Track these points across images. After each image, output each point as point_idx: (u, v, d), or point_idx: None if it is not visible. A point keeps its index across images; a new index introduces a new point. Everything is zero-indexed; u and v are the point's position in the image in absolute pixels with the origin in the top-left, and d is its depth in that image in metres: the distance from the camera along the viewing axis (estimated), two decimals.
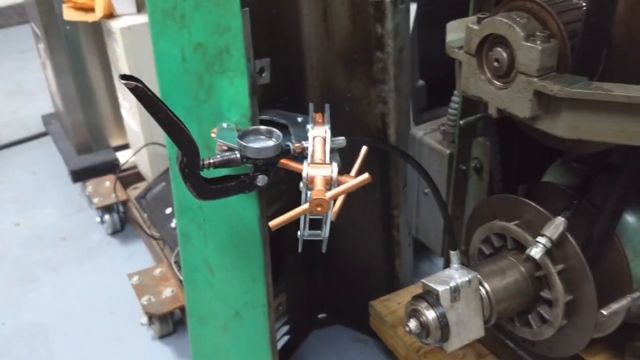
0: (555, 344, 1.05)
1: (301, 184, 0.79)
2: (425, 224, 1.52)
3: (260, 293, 1.15)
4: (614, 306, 0.91)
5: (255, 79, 0.96)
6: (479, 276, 1.02)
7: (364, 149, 0.87)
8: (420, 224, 1.53)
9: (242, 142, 0.83)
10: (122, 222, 2.21)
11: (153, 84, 0.99)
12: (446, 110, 1.50)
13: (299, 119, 1.00)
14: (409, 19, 1.37)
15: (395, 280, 1.62)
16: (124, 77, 0.70)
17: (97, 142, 2.38)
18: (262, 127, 0.86)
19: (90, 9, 1.95)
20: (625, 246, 1.01)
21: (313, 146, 0.82)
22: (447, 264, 1.16)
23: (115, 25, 1.92)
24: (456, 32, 0.99)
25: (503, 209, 1.10)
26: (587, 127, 0.83)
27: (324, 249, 0.92)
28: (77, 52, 2.21)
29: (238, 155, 0.83)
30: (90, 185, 2.22)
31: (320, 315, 1.80)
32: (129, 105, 2.13)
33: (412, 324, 1.01)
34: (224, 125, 0.95)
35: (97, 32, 2.15)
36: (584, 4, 0.85)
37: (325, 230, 0.85)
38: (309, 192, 0.76)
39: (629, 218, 1.03)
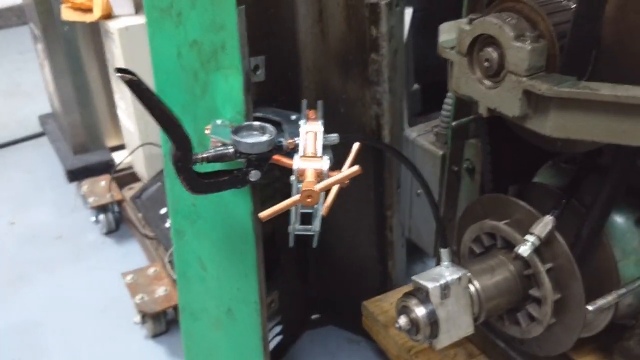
0: (544, 342, 1.06)
1: (292, 177, 0.80)
2: (418, 224, 1.53)
3: (253, 289, 1.16)
4: (600, 302, 0.92)
5: (250, 76, 0.97)
6: (468, 274, 1.04)
7: (356, 145, 0.88)
8: (413, 224, 1.54)
9: (235, 137, 0.84)
10: (117, 222, 2.22)
11: (150, 85, 1.00)
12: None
13: (293, 117, 1.02)
14: (404, 22, 1.39)
15: (388, 281, 1.63)
16: (119, 70, 0.71)
17: (93, 142, 2.39)
18: (256, 123, 0.87)
19: (89, 10, 1.97)
20: (613, 246, 1.02)
21: (305, 141, 0.84)
22: (438, 264, 1.17)
23: (113, 25, 1.93)
24: (449, 33, 1.01)
25: (494, 208, 1.11)
26: (575, 126, 0.84)
27: (314, 244, 0.93)
28: (75, 52, 2.22)
29: (231, 150, 0.84)
30: (86, 185, 2.22)
31: (314, 316, 1.80)
32: (125, 106, 2.14)
33: (402, 320, 1.02)
34: (218, 122, 0.96)
35: (95, 32, 2.17)
36: (574, 5, 0.87)
37: (316, 225, 0.86)
38: (299, 185, 0.77)
39: (618, 219, 1.05)
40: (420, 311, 1.00)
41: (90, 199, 2.15)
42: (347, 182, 0.86)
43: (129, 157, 2.22)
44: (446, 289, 1.01)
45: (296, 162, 0.80)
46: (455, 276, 1.02)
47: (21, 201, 2.42)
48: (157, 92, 1.06)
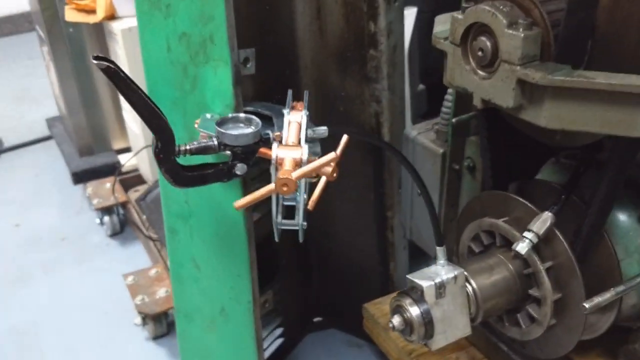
0: (544, 344, 1.03)
1: (271, 167, 0.78)
2: (419, 225, 1.50)
3: (246, 289, 1.14)
4: (597, 299, 0.88)
5: (240, 69, 0.95)
6: (465, 273, 1.00)
7: (345, 138, 0.86)
8: (414, 225, 1.51)
9: (219, 129, 0.82)
10: (121, 224, 2.22)
11: (142, 81, 1.00)
12: None
13: (284, 111, 0.99)
14: (403, 18, 1.36)
15: (390, 283, 1.60)
16: (96, 57, 0.69)
17: (99, 144, 2.40)
18: (242, 115, 0.85)
19: (92, 11, 1.97)
20: (616, 244, 0.99)
21: (288, 130, 0.81)
22: None
23: (116, 26, 1.93)
24: (444, 25, 0.98)
25: (493, 206, 1.08)
26: (570, 116, 0.81)
27: (300, 239, 0.91)
28: (80, 54, 2.23)
29: (216, 143, 0.82)
30: (90, 187, 2.23)
31: (316, 319, 1.78)
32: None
33: (396, 320, 0.99)
34: (208, 116, 0.95)
35: (100, 34, 2.17)
36: None
37: (299, 218, 0.83)
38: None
39: (620, 216, 1.01)
40: (414, 311, 0.97)
41: (95, 201, 2.15)
42: (334, 175, 0.83)
43: (133, 158, 2.22)
44: (442, 288, 0.98)
45: (274, 151, 0.78)
46: (451, 275, 0.99)
47: (27, 203, 2.43)
48: (147, 87, 1.05)
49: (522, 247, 0.94)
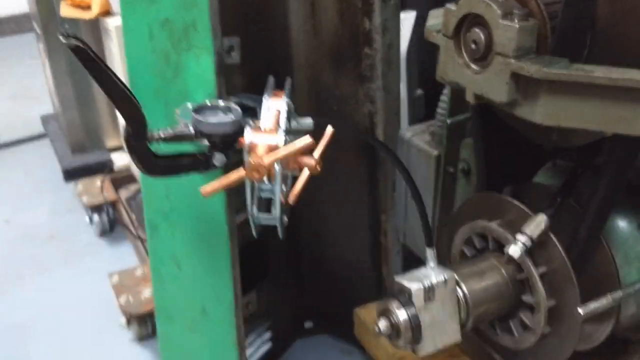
0: (538, 353, 0.98)
1: (244, 152, 0.74)
2: (414, 229, 1.45)
3: (227, 288, 1.10)
4: (593, 305, 0.83)
5: (223, 57, 0.92)
6: (456, 276, 0.96)
7: (329, 130, 0.82)
8: (408, 229, 1.46)
9: (196, 116, 0.78)
10: (111, 224, 2.17)
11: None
12: None
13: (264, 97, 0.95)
14: (399, 16, 1.32)
15: (383, 289, 1.55)
16: (64, 35, 0.65)
17: (92, 142, 2.36)
18: (221, 103, 0.81)
19: (87, 7, 1.94)
20: (615, 251, 0.94)
21: (266, 116, 0.77)
22: None
23: (111, 23, 1.90)
24: (437, 18, 0.94)
25: (486, 208, 1.03)
26: (567, 113, 0.77)
27: (280, 235, 0.86)
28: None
29: (192, 130, 0.78)
30: (81, 185, 2.19)
31: (307, 324, 1.73)
32: None
33: (382, 324, 0.94)
34: (189, 105, 0.90)
35: (96, 30, 2.14)
36: None
37: (276, 212, 0.79)
38: None
39: (620, 222, 0.96)
40: (401, 314, 0.93)
41: (84, 199, 2.11)
42: (318, 168, 0.79)
43: (125, 157, 2.18)
44: (431, 291, 0.94)
45: (247, 136, 0.73)
46: (442, 278, 0.95)
47: (18, 201, 2.39)
48: (129, 76, 1.02)
49: (514, 250, 0.89)
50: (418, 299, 0.93)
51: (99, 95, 2.30)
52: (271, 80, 0.84)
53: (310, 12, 1.36)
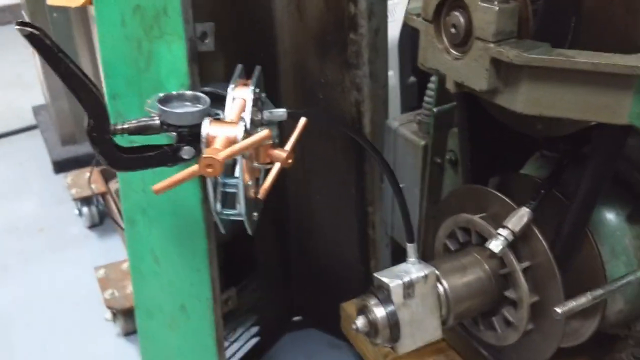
0: (521, 350, 0.95)
1: (202, 145, 0.70)
2: (401, 222, 1.42)
3: (205, 285, 1.07)
4: (571, 304, 0.80)
5: (196, 44, 0.88)
6: (437, 272, 0.93)
7: (302, 121, 0.78)
8: (396, 221, 1.43)
9: (162, 107, 0.75)
10: (100, 216, 2.15)
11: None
12: None
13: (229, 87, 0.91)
14: (386, 1, 1.28)
15: (371, 283, 1.52)
16: (19, 23, 0.62)
17: (82, 133, 2.30)
18: (188, 93, 0.78)
19: None
20: (601, 245, 0.91)
21: (230, 107, 0.74)
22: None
23: None
24: (418, 1, 0.90)
25: (470, 201, 1.00)
26: (549, 101, 0.73)
27: (249, 231, 0.83)
28: (64, 39, 2.15)
29: (157, 122, 0.74)
30: (70, 177, 2.16)
31: (296, 318, 1.70)
32: None
33: (360, 321, 0.92)
34: (161, 95, 0.87)
35: (85, 19, 2.11)
36: None
37: (240, 207, 0.75)
38: None
39: (607, 214, 0.93)
40: (379, 312, 0.90)
41: (73, 191, 2.08)
42: (289, 161, 0.75)
43: None
44: (410, 287, 0.91)
45: (204, 128, 0.70)
46: (422, 274, 0.91)
47: (7, 192, 2.36)
48: (103, 65, 0.99)
49: (495, 245, 0.86)
50: (397, 295, 0.90)
51: None
52: (238, 68, 0.80)
53: None
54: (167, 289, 1.12)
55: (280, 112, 0.80)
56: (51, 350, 1.64)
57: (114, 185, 2.13)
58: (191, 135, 0.76)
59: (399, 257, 1.67)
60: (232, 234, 1.41)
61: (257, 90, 0.77)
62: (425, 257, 0.99)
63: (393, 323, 0.89)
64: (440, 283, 0.92)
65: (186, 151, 0.76)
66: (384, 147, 1.40)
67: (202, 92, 0.89)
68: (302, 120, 0.79)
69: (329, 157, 1.43)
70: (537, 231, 0.86)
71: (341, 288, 1.54)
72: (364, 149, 1.37)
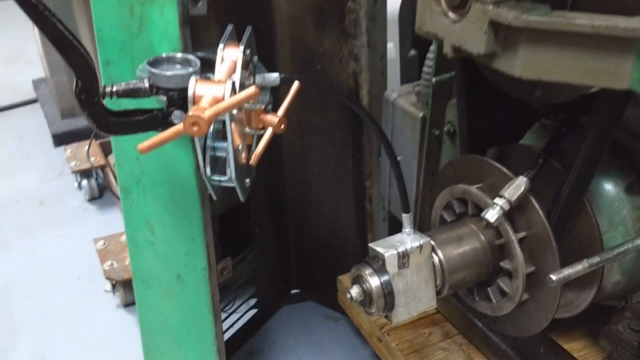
0: (516, 320, 0.94)
1: (189, 105, 0.69)
2: (398, 196, 1.41)
3: (200, 254, 1.06)
4: (567, 271, 0.79)
5: (188, 8, 0.86)
6: (432, 242, 0.92)
7: (295, 85, 0.77)
8: (393, 196, 1.42)
9: (151, 69, 0.73)
10: (100, 189, 2.14)
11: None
12: None
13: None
14: None
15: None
16: None
17: None
18: (178, 55, 0.76)
19: None
20: (599, 215, 0.89)
21: (219, 67, 0.72)
22: None
23: None
24: None
25: (467, 171, 0.98)
26: (548, 65, 0.71)
27: (241, 198, 0.82)
28: (63, 11, 2.13)
29: (146, 84, 0.73)
30: (70, 150, 2.15)
31: (293, 291, 1.70)
32: None
33: (354, 290, 0.91)
34: (152, 59, 0.85)
35: None
36: None
37: (231, 172, 0.74)
38: None
39: (606, 185, 0.91)
40: (374, 281, 0.89)
41: (72, 164, 2.07)
42: (282, 127, 0.74)
43: None
44: (405, 257, 0.90)
45: (191, 87, 0.68)
46: (416, 244, 0.91)
47: (7, 166, 2.36)
48: (95, 32, 0.97)
49: (491, 214, 0.85)
50: (391, 265, 0.89)
51: None
52: (229, 28, 0.78)
53: None
54: (162, 258, 1.12)
55: (273, 77, 0.79)
56: (51, 321, 1.65)
57: (113, 158, 2.12)
58: (181, 99, 0.75)
59: (395, 231, 1.66)
60: (228, 206, 1.41)
61: (248, 51, 0.75)
62: (422, 230, 0.98)
63: (387, 293, 0.88)
64: (436, 253, 0.92)
65: (177, 115, 0.75)
66: (382, 119, 1.38)
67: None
68: (295, 85, 0.77)
69: (325, 129, 1.42)
70: (534, 201, 0.85)
71: (338, 261, 1.54)
72: (361, 122, 1.36)
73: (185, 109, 0.75)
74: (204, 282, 1.09)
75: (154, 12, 0.89)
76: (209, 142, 0.72)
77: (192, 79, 0.68)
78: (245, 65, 0.74)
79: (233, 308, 1.52)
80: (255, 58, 0.81)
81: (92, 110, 0.70)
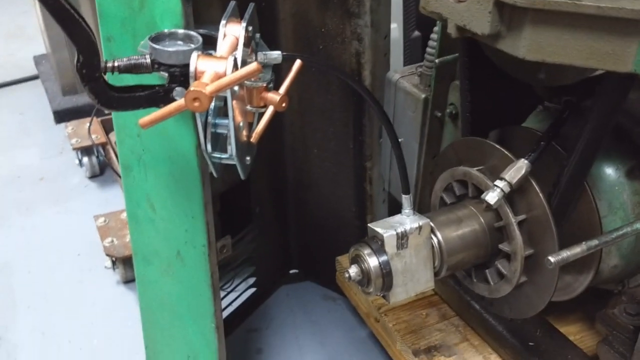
0: (513, 303, 0.95)
1: (190, 80, 0.69)
2: (399, 178, 1.41)
3: (200, 231, 1.07)
4: (565, 254, 0.79)
5: None
6: (431, 224, 0.92)
7: (297, 63, 0.76)
8: (394, 178, 1.42)
9: (153, 45, 0.73)
10: (101, 166, 2.15)
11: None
12: None
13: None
14: None
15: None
16: None
17: None
18: (180, 31, 0.76)
19: None
20: (599, 199, 0.90)
21: (221, 43, 0.71)
22: None
23: None
24: None
25: (468, 153, 0.98)
26: (552, 46, 0.71)
27: (242, 176, 0.82)
28: None
29: (148, 60, 0.72)
30: (71, 126, 2.15)
31: (292, 271, 1.71)
32: None
33: (353, 270, 0.92)
34: (153, 35, 0.85)
35: None
36: None
37: (232, 149, 0.74)
38: None
39: (607, 169, 0.91)
40: (372, 261, 0.90)
41: (73, 141, 2.07)
42: (283, 105, 0.74)
43: None
44: (404, 238, 0.90)
45: (193, 62, 0.68)
46: (415, 225, 0.91)
47: (8, 142, 2.36)
48: (97, 7, 0.96)
49: (491, 196, 0.85)
50: (390, 245, 0.89)
51: None
52: (231, 5, 0.77)
53: None
54: (162, 235, 1.12)
55: (275, 55, 0.78)
56: (52, 297, 1.66)
57: (114, 136, 2.12)
58: (183, 76, 0.74)
59: (395, 213, 1.67)
60: (228, 184, 1.41)
61: (250, 28, 0.75)
62: (421, 212, 0.98)
63: (386, 273, 0.89)
64: (435, 235, 0.92)
65: (178, 92, 0.75)
66: (384, 100, 1.38)
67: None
68: (297, 63, 0.77)
69: (327, 110, 1.41)
70: (534, 183, 0.85)
71: (337, 242, 1.55)
72: (363, 102, 1.35)
73: (186, 85, 0.75)
74: (203, 260, 1.09)
75: None
76: (210, 118, 0.71)
77: (194, 55, 0.68)
78: (247, 42, 0.74)
79: (232, 286, 1.53)
80: (258, 35, 0.81)
81: (93, 85, 0.70)
